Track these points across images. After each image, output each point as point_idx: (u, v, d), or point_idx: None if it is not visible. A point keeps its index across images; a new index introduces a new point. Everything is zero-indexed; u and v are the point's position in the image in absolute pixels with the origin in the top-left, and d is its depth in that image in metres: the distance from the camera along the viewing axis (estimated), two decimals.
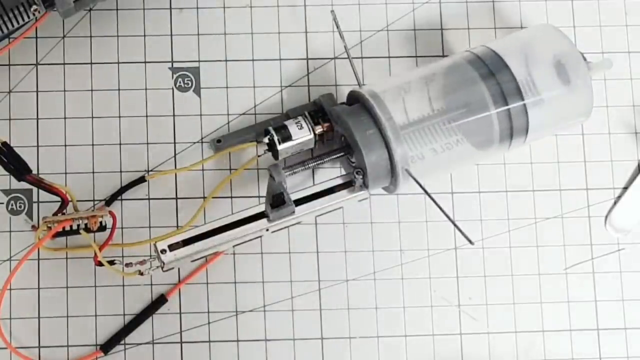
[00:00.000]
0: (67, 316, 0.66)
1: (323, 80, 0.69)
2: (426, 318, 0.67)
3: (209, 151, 0.68)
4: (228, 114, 0.69)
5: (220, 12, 0.70)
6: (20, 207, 0.67)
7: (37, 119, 0.68)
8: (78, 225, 0.64)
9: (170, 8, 0.70)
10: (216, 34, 0.70)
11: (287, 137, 0.64)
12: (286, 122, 0.65)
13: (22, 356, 0.65)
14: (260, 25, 0.70)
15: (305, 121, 0.65)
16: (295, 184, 0.67)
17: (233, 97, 0.69)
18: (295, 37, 0.70)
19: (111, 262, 0.63)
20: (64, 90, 0.68)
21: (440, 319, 0.67)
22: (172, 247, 0.61)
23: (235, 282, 0.67)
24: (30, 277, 0.66)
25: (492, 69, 0.63)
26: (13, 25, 0.62)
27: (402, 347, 0.67)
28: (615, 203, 0.69)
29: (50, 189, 0.64)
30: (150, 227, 0.67)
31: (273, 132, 0.64)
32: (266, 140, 0.65)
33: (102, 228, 0.64)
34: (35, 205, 0.67)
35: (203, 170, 0.68)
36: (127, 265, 0.62)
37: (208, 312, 0.67)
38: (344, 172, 0.65)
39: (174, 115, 0.69)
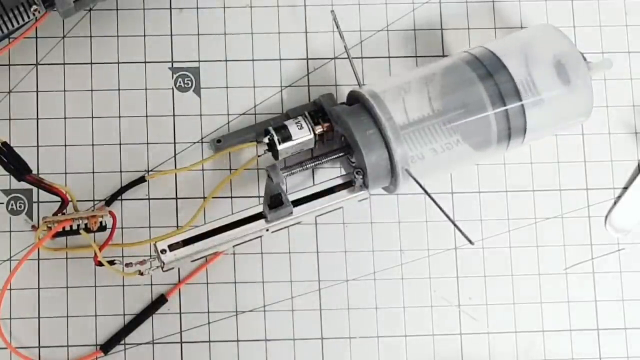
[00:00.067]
0: (67, 316, 0.66)
1: (323, 80, 0.69)
2: (426, 318, 0.67)
3: (209, 151, 0.68)
4: (228, 114, 0.69)
5: (220, 12, 0.70)
6: (20, 207, 0.67)
7: (37, 119, 0.68)
8: (78, 225, 0.64)
9: (170, 8, 0.70)
10: (216, 34, 0.70)
11: (287, 137, 0.64)
12: (286, 122, 0.65)
13: (22, 356, 0.65)
14: (260, 25, 0.70)
15: (305, 121, 0.65)
16: (295, 184, 0.67)
17: (233, 97, 0.69)
18: (295, 37, 0.70)
19: (111, 262, 0.63)
20: (64, 90, 0.68)
21: (440, 319, 0.67)
22: (172, 247, 0.61)
23: (235, 282, 0.67)
24: (30, 277, 0.66)
25: (490, 70, 0.63)
26: (13, 25, 0.62)
27: (402, 347, 0.67)
28: (615, 203, 0.69)
29: (50, 189, 0.64)
30: (150, 227, 0.67)
31: (273, 132, 0.64)
32: (266, 140, 0.65)
33: (102, 228, 0.64)
34: (35, 205, 0.67)
35: (203, 170, 0.68)
36: (127, 265, 0.62)
37: (208, 312, 0.67)
38: (344, 172, 0.65)
39: (174, 115, 0.69)
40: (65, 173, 0.67)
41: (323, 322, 0.67)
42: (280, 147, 0.64)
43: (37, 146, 0.68)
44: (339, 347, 0.67)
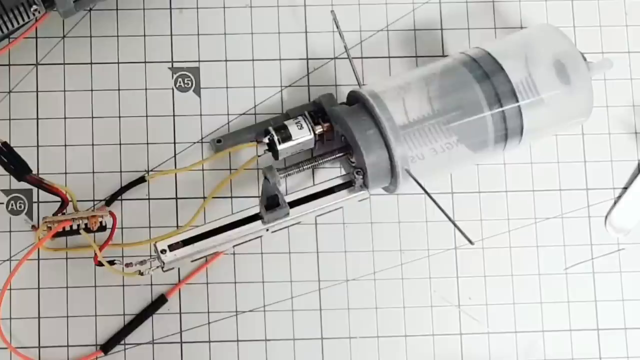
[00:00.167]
0: (67, 316, 0.66)
1: (323, 80, 0.69)
2: (426, 318, 0.67)
3: (209, 151, 0.68)
4: (228, 114, 0.69)
5: (220, 12, 0.70)
6: (20, 207, 0.67)
7: (37, 119, 0.68)
8: (78, 225, 0.64)
9: (170, 8, 0.70)
10: (216, 34, 0.70)
11: (287, 137, 0.64)
12: (286, 122, 0.65)
13: (22, 356, 0.65)
14: (260, 25, 0.70)
15: (305, 121, 0.65)
16: (295, 184, 0.67)
17: (233, 97, 0.69)
18: (295, 37, 0.70)
19: (111, 262, 0.63)
20: (64, 90, 0.68)
21: (440, 319, 0.67)
22: (172, 247, 0.61)
23: (235, 282, 0.67)
24: (30, 277, 0.66)
25: (486, 71, 0.63)
26: (13, 25, 0.62)
27: (402, 347, 0.67)
28: (615, 203, 0.69)
29: (50, 189, 0.64)
30: (150, 227, 0.67)
31: (273, 132, 0.64)
32: (266, 140, 0.65)
33: (102, 228, 0.64)
34: (35, 205, 0.67)
35: (203, 170, 0.68)
36: (127, 265, 0.62)
37: (208, 312, 0.67)
38: (344, 172, 0.65)
39: (174, 115, 0.69)
40: (65, 173, 0.67)
41: (323, 322, 0.67)
42: (280, 147, 0.64)
43: (37, 146, 0.68)
44: (339, 347, 0.67)
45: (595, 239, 0.69)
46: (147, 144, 0.68)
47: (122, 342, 0.66)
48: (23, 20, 0.62)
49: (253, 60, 0.69)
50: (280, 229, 0.63)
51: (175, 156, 0.68)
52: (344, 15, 0.69)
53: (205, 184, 0.68)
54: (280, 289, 0.67)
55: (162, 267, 0.61)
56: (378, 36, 0.70)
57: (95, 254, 0.63)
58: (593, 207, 0.69)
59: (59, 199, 0.64)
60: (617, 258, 0.69)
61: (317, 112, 0.66)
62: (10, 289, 0.66)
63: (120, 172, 0.68)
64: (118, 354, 0.66)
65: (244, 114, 0.69)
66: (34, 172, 0.65)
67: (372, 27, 0.70)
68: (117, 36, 0.69)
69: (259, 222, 0.62)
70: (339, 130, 0.64)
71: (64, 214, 0.64)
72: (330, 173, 0.66)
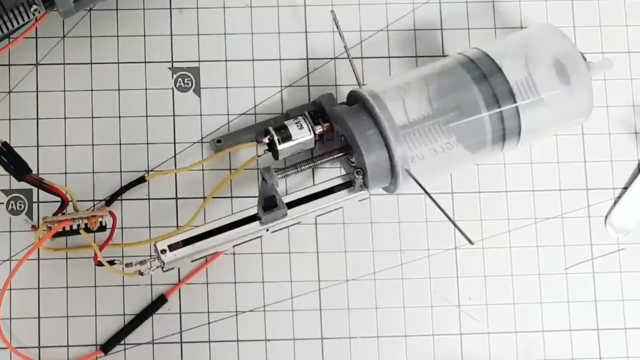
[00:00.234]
0: (67, 316, 0.66)
1: (323, 80, 0.69)
2: (426, 318, 0.67)
3: (209, 151, 0.68)
4: (228, 114, 0.69)
5: (220, 12, 0.70)
6: (20, 207, 0.67)
7: (37, 119, 0.68)
8: (78, 225, 0.64)
9: (170, 8, 0.70)
10: (216, 34, 0.70)
11: (287, 137, 0.64)
12: (286, 122, 0.65)
13: (22, 356, 0.65)
14: (260, 25, 0.70)
15: (305, 121, 0.65)
16: (295, 184, 0.67)
17: (233, 97, 0.69)
18: (295, 37, 0.70)
19: (111, 262, 0.63)
20: (64, 90, 0.68)
21: (440, 319, 0.67)
22: (172, 247, 0.61)
23: (235, 282, 0.67)
24: (30, 277, 0.66)
25: (484, 72, 0.63)
26: (13, 25, 0.62)
27: (402, 347, 0.67)
28: (615, 203, 0.69)
29: (50, 189, 0.64)
30: (150, 227, 0.67)
31: (273, 132, 0.64)
32: (266, 140, 0.65)
33: (102, 228, 0.64)
34: (35, 205, 0.67)
35: (203, 170, 0.68)
36: (127, 265, 0.62)
37: (208, 312, 0.67)
38: (344, 172, 0.65)
39: (174, 115, 0.69)
40: (65, 173, 0.67)
41: (323, 322, 0.67)
42: (280, 147, 0.64)
43: (37, 146, 0.68)
44: (339, 347, 0.67)
45: (595, 239, 0.69)
46: (147, 144, 0.68)
47: (122, 342, 0.66)
48: (23, 20, 0.62)
49: (253, 60, 0.69)
50: (280, 229, 0.63)
51: (175, 156, 0.68)
52: (344, 15, 0.69)
53: (205, 184, 0.68)
54: (280, 289, 0.67)
55: (162, 267, 0.61)
56: (378, 36, 0.70)
57: (95, 254, 0.63)
58: (593, 207, 0.69)
59: (59, 199, 0.64)
60: (617, 258, 0.69)
61: (317, 112, 0.66)
62: (10, 289, 0.66)
63: (120, 172, 0.68)
64: (118, 354, 0.66)
65: (244, 114, 0.69)
66: (34, 172, 0.65)
67: (372, 27, 0.70)
68: (117, 36, 0.69)
69: (259, 222, 0.62)
70: (339, 130, 0.64)
71: (64, 214, 0.64)
72: (330, 173, 0.66)
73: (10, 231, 0.67)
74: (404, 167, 0.61)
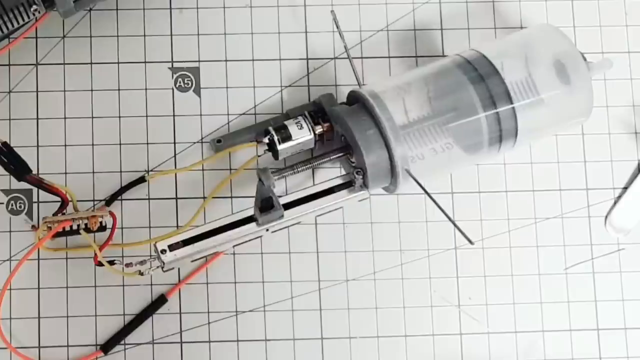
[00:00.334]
0: (67, 316, 0.66)
1: (323, 80, 0.69)
2: (426, 318, 0.67)
3: (209, 151, 0.68)
4: (228, 114, 0.69)
5: (220, 12, 0.70)
6: (20, 207, 0.67)
7: (37, 119, 0.68)
8: (78, 226, 0.64)
9: (170, 8, 0.70)
10: (216, 34, 0.70)
11: (287, 137, 0.64)
12: (286, 122, 0.65)
13: (22, 356, 0.65)
14: (260, 25, 0.70)
15: (305, 121, 0.65)
16: (295, 184, 0.67)
17: (233, 97, 0.69)
18: (295, 37, 0.70)
19: (111, 262, 0.63)
20: (64, 90, 0.68)
21: (440, 319, 0.67)
22: (172, 247, 0.61)
23: (235, 282, 0.67)
24: (30, 277, 0.66)
25: (481, 73, 0.62)
26: (13, 25, 0.62)
27: (402, 347, 0.67)
28: (615, 203, 0.69)
29: (50, 189, 0.64)
30: (150, 227, 0.67)
31: (273, 132, 0.64)
32: (266, 140, 0.65)
33: (102, 228, 0.64)
34: (35, 205, 0.67)
35: (203, 170, 0.68)
36: (127, 265, 0.62)
37: (208, 312, 0.67)
38: (344, 172, 0.65)
39: (174, 115, 0.69)
40: (65, 173, 0.67)
41: (323, 322, 0.67)
42: (280, 147, 0.64)
43: (37, 146, 0.68)
44: (339, 347, 0.67)
45: (595, 239, 0.69)
46: (147, 144, 0.68)
47: (122, 342, 0.66)
48: (23, 20, 0.62)
49: (253, 60, 0.69)
50: (280, 229, 0.63)
51: (175, 156, 0.68)
52: (344, 15, 0.69)
53: (205, 184, 0.68)
54: (280, 289, 0.67)
55: (162, 267, 0.61)
56: (378, 36, 0.70)
57: (95, 254, 0.63)
58: (593, 207, 0.69)
59: (59, 199, 0.64)
60: (617, 258, 0.69)
61: (317, 112, 0.66)
62: (10, 289, 0.66)
63: (120, 172, 0.68)
64: (118, 354, 0.66)
65: (244, 114, 0.69)
66: (34, 172, 0.65)
67: (372, 27, 0.70)
68: (117, 36, 0.69)
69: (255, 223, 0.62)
70: (339, 130, 0.64)
71: (64, 214, 0.64)
72: (330, 173, 0.66)
73: (10, 231, 0.67)
74: (404, 167, 0.61)
